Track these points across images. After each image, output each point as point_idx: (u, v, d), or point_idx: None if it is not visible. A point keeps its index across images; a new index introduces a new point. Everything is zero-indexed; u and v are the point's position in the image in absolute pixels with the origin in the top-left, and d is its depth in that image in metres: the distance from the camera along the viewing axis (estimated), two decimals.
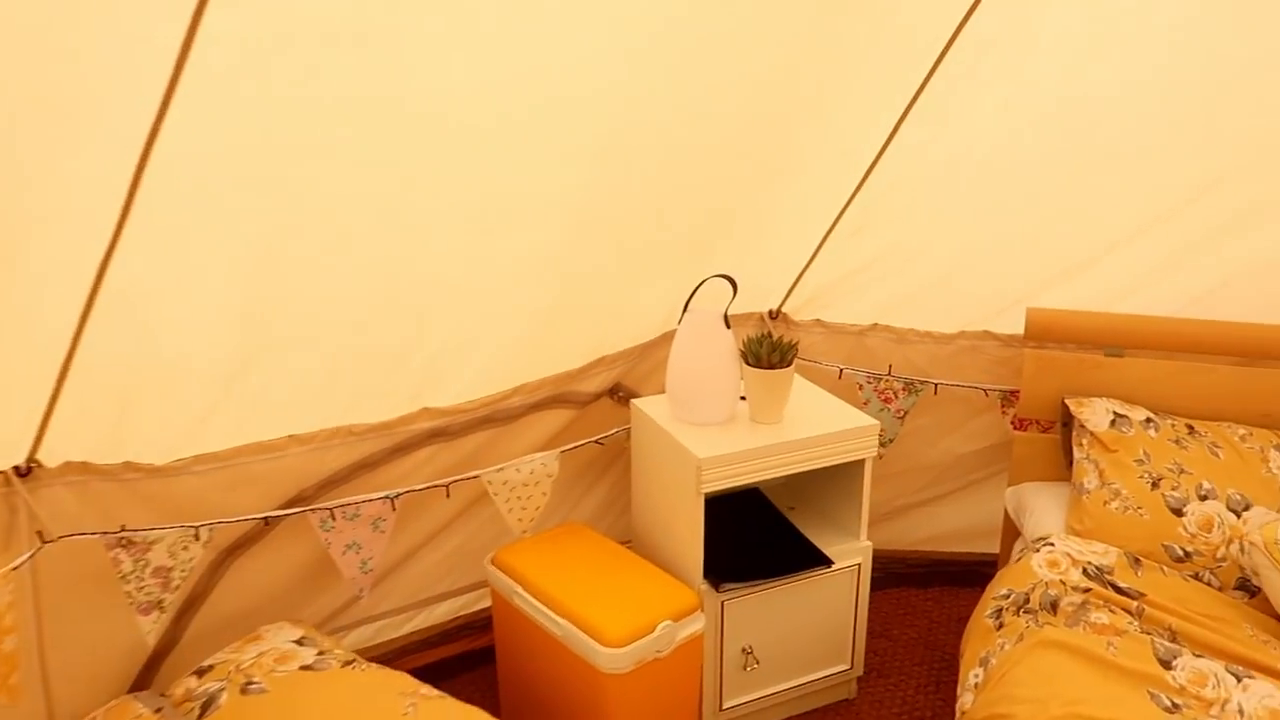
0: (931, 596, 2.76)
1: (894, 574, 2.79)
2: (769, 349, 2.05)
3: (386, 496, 2.01)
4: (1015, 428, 2.53)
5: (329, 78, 1.43)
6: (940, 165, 2.26)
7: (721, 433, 2.07)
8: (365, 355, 1.91)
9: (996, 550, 2.59)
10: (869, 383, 2.58)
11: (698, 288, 2.08)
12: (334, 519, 1.95)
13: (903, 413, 2.58)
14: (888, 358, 2.59)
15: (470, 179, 1.73)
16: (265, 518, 1.91)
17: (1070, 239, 2.36)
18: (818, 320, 2.64)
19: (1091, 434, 2.24)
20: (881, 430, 2.59)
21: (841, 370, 2.59)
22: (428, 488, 2.08)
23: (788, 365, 2.06)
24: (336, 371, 1.90)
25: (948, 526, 2.79)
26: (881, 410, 2.58)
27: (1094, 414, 2.27)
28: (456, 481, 2.12)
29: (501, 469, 2.15)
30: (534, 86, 1.65)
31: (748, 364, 2.08)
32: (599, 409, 2.39)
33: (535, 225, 1.91)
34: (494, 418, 2.17)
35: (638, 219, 2.07)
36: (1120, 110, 2.09)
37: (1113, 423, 2.24)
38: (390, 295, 1.85)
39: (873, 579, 2.23)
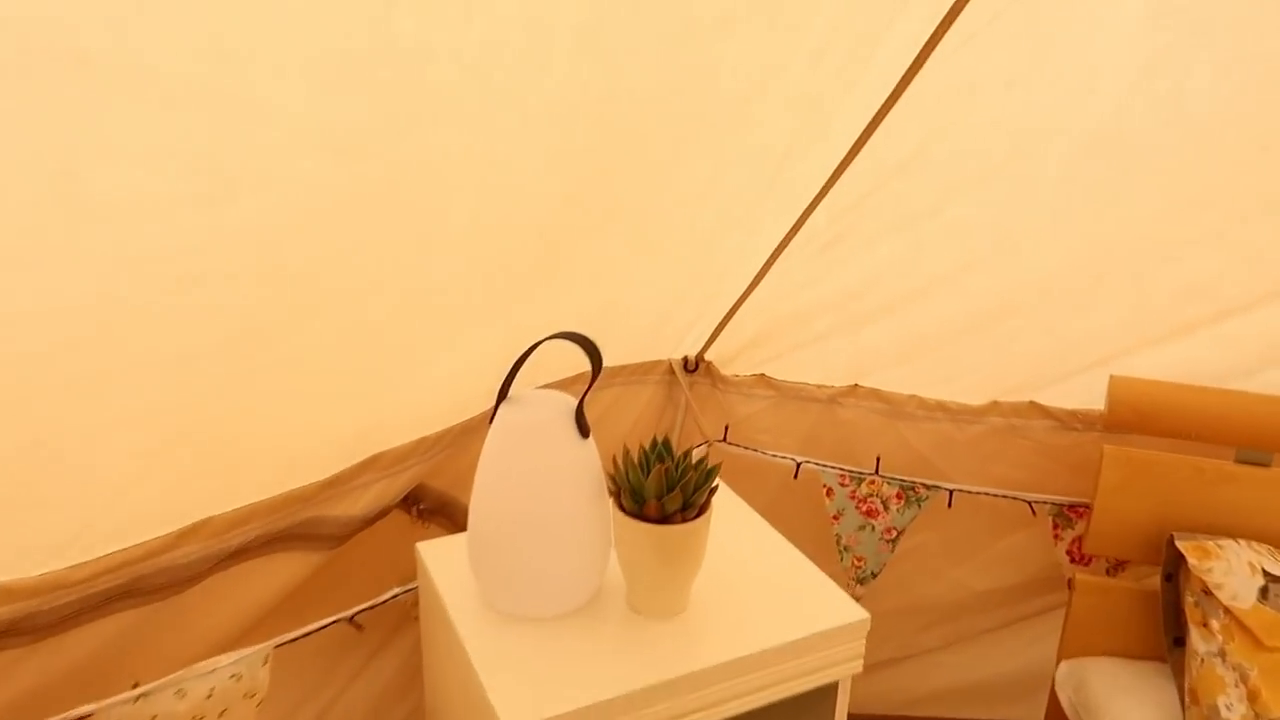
0: None
1: None
2: (662, 483, 1.03)
3: None
4: (1074, 561, 1.58)
5: None
6: (991, 136, 1.26)
7: (566, 641, 1.06)
8: None
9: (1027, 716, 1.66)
10: (843, 485, 1.59)
11: (525, 355, 1.06)
12: None
13: (895, 533, 1.60)
14: (875, 441, 1.60)
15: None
16: None
17: (1197, 271, 1.37)
18: (762, 377, 1.64)
19: (1226, 610, 1.29)
20: (860, 559, 1.62)
21: (799, 464, 1.60)
22: None
23: (699, 515, 1.05)
24: None
25: (957, 680, 1.85)
26: (862, 528, 1.60)
27: (1228, 572, 1.31)
28: None
29: (144, 695, 1.11)
30: None
31: (622, 510, 1.06)
32: (376, 538, 1.37)
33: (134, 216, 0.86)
34: (139, 588, 1.13)
35: (413, 203, 1.03)
36: None
37: (1264, 592, 1.28)
38: None
39: None
